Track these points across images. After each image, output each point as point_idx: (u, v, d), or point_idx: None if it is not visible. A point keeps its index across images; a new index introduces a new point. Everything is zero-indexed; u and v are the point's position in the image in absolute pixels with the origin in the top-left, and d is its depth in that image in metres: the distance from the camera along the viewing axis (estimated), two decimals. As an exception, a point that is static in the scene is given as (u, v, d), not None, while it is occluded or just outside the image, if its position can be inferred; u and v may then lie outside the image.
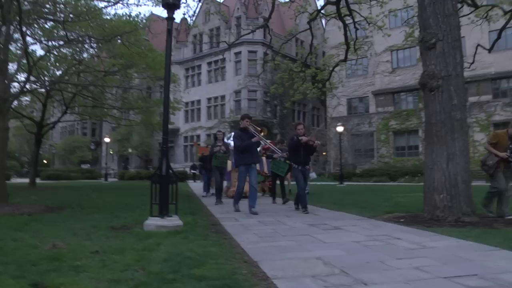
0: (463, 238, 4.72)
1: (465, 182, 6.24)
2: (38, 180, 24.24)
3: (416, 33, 8.56)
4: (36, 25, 14.74)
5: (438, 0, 6.58)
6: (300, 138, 8.03)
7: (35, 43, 16.35)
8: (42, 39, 16.01)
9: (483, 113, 29.35)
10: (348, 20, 13.41)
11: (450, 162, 6.24)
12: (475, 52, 13.15)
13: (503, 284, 2.90)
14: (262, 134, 8.12)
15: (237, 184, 8.53)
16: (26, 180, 24.28)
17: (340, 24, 13.33)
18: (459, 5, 9.71)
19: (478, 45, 13.09)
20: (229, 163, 11.71)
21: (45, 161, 58.95)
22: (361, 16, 14.27)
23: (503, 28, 11.88)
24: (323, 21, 34.20)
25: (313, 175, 17.43)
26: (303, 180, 8.09)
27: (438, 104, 6.45)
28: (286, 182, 12.06)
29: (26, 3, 12.31)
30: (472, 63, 13.05)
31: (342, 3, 12.43)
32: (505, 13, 11.90)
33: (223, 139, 11.04)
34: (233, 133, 13.35)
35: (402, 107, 33.93)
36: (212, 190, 12.92)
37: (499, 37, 12.28)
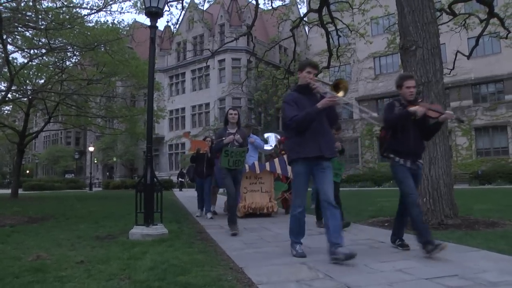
0: (445, 240, 4.80)
1: (447, 186, 6.36)
2: (20, 191, 23.84)
3: (398, 40, 8.74)
4: (17, 33, 14.59)
5: (417, 9, 6.74)
6: (412, 110, 4.20)
7: (16, 51, 16.19)
8: (24, 47, 15.83)
9: (464, 118, 29.90)
10: (331, 28, 13.59)
11: (432, 166, 6.36)
12: (455, 59, 13.44)
13: (481, 283, 2.98)
14: (341, 94, 3.99)
15: (292, 200, 4.49)
16: (8, 191, 23.85)
17: (323, 31, 13.50)
18: (438, 13, 9.93)
19: (458, 51, 13.38)
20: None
21: (27, 171, 58.02)
22: (343, 23, 14.49)
23: (480, 35, 12.17)
24: (306, 29, 34.53)
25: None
26: (415, 185, 4.36)
27: (419, 110, 6.57)
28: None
29: (6, 10, 12.19)
30: (452, 69, 13.34)
31: (324, 10, 12.60)
32: (481, 21, 12.21)
33: (238, 124, 6.59)
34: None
35: (385, 113, 34.36)
36: (214, 208, 9.42)
37: (476, 44, 12.58)
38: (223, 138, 6.26)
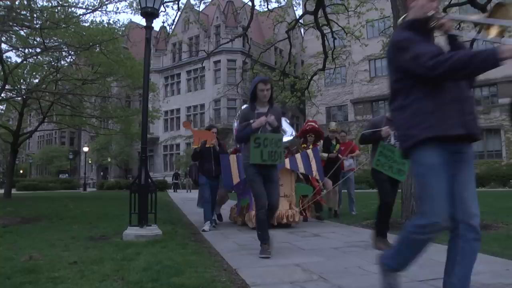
0: (439, 242, 4.81)
1: (440, 188, 6.37)
2: (14, 191, 23.69)
3: (392, 43, 8.78)
4: (11, 32, 14.51)
5: (412, 12, 6.76)
6: None
7: (11, 50, 16.09)
8: (18, 46, 15.75)
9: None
10: (326, 30, 13.63)
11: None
12: (449, 62, 13.49)
13: (474, 285, 2.98)
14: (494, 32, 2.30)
15: (420, 209, 2.37)
16: (1, 191, 23.70)
17: (318, 33, 13.53)
18: (432, 16, 9.97)
19: (452, 54, 13.45)
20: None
21: (21, 171, 57.69)
22: (339, 26, 14.52)
23: (474, 39, 12.25)
24: (302, 31, 34.65)
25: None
26: None
27: (414, 112, 6.60)
28: (323, 192, 7.83)
29: (0, 9, 12.12)
30: (447, 72, 13.41)
31: (320, 13, 12.62)
32: (475, 25, 12.29)
33: (270, 101, 4.61)
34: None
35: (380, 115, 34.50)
36: (219, 209, 7.72)
37: (471, 47, 12.66)
38: (251, 121, 4.43)
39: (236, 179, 6.55)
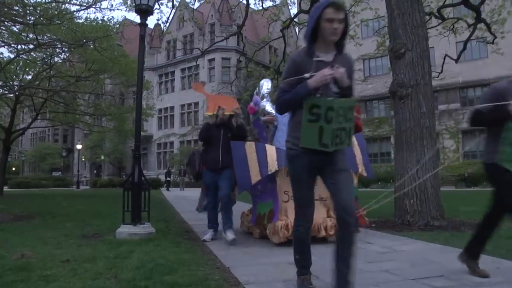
0: (432, 241, 4.86)
1: (434, 188, 6.43)
2: (6, 189, 23.52)
3: (387, 43, 8.80)
4: (3, 28, 14.38)
5: (406, 12, 6.80)
6: None
7: (3, 46, 15.95)
8: (11, 42, 15.61)
9: (452, 121, 30.24)
10: (321, 29, 13.63)
11: (419, 168, 6.42)
12: (443, 62, 13.58)
13: (466, 283, 3.02)
14: None
15: None
16: (-7, 188, 23.49)
17: (313, 32, 13.54)
18: (427, 17, 10.02)
19: (446, 55, 13.53)
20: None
21: (14, 169, 57.29)
22: (334, 25, 14.52)
23: (468, 39, 12.34)
24: (296, 29, 34.64)
25: None
26: None
27: (408, 112, 6.64)
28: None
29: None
30: (441, 72, 13.49)
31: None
32: (469, 26, 12.38)
33: (339, 44, 2.62)
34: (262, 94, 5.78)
35: (374, 115, 34.60)
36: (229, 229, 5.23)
37: (464, 48, 12.75)
38: (307, 75, 2.55)
39: (255, 177, 4.78)
